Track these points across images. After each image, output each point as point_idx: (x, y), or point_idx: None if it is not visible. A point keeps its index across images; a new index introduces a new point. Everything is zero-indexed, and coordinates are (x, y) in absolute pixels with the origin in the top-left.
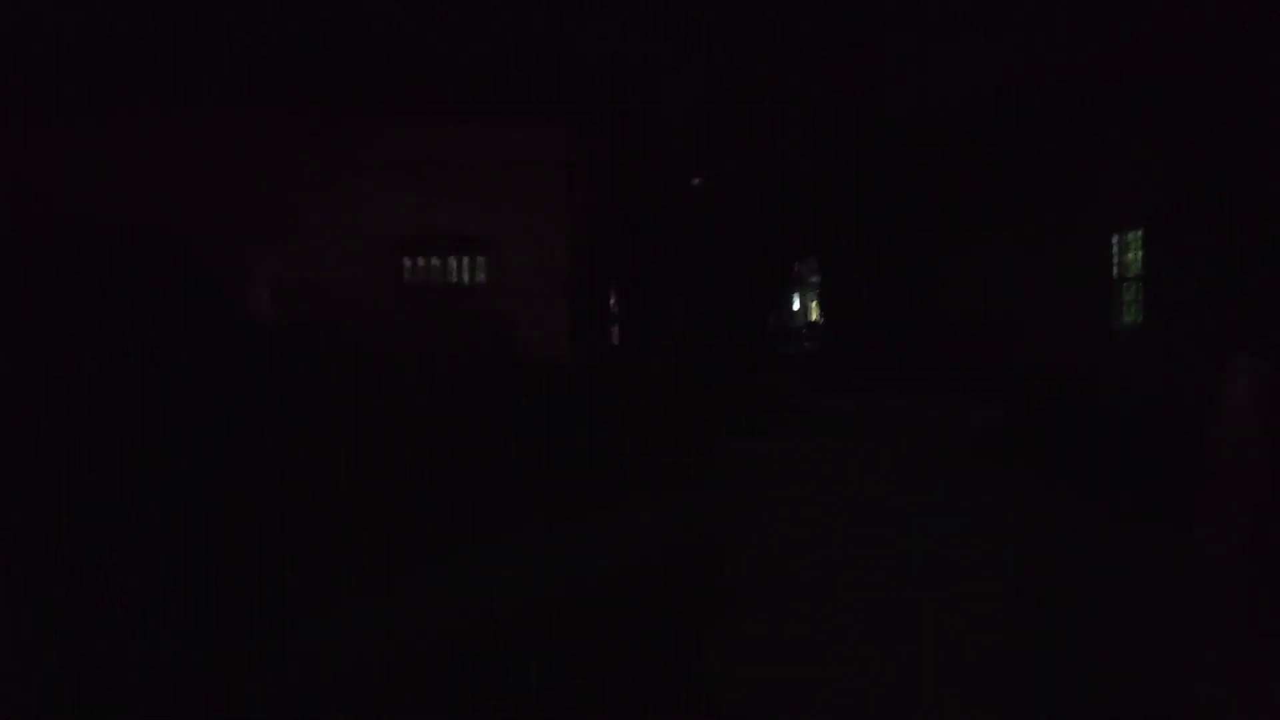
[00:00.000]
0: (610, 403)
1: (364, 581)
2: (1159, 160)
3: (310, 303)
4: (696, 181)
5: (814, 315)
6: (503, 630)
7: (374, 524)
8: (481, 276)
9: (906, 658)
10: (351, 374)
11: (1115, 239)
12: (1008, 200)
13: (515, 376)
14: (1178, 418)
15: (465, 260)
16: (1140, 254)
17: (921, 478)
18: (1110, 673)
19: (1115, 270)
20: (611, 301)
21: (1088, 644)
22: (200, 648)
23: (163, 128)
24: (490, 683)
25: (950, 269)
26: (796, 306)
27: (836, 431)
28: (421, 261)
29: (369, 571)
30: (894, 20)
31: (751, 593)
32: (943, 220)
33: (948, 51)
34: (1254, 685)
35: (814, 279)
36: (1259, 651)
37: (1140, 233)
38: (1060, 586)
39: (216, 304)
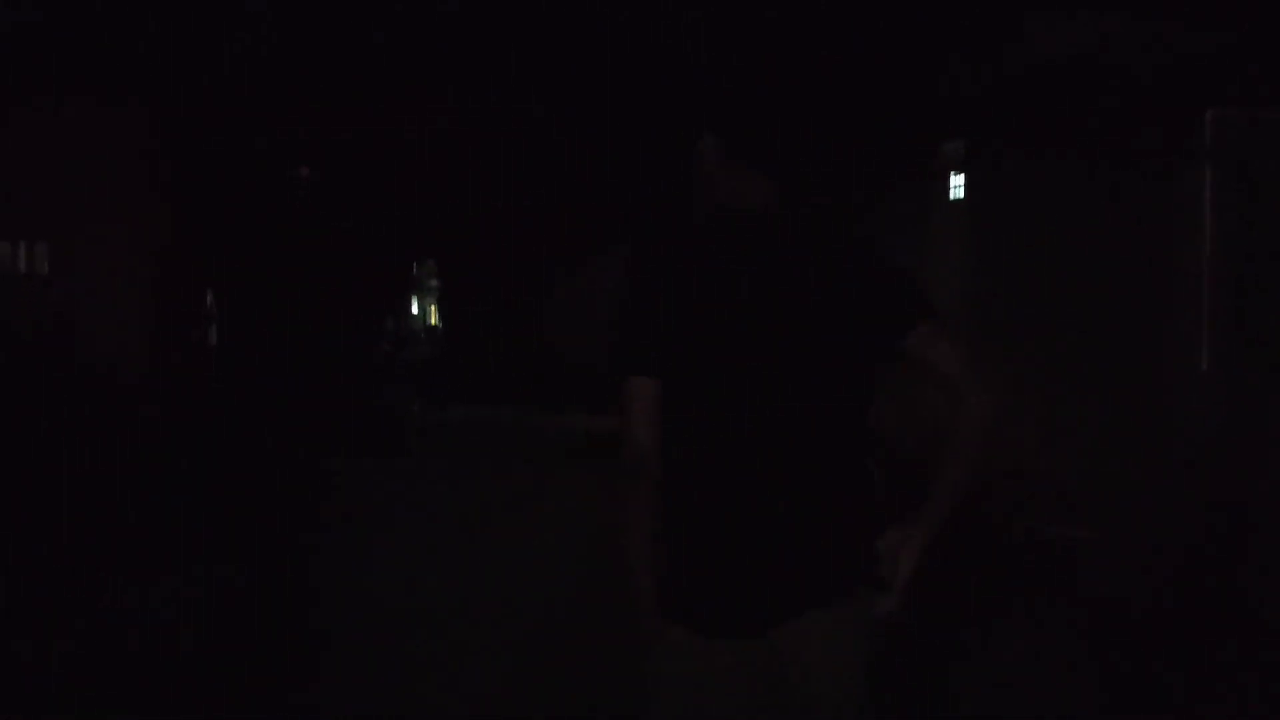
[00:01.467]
0: (195, 418)
1: None
2: None
3: None
4: (305, 172)
5: (434, 319)
6: None
7: None
8: (44, 268)
9: None
10: None
11: None
12: (608, 216)
13: (78, 386)
14: None
15: (23, 246)
16: None
17: (521, 494)
18: None
19: None
20: (209, 301)
21: None
22: None
23: None
24: None
25: (567, 279)
26: (416, 310)
27: (454, 451)
28: None
29: None
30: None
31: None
32: (558, 230)
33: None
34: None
35: (434, 282)
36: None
37: None
38: None
39: None
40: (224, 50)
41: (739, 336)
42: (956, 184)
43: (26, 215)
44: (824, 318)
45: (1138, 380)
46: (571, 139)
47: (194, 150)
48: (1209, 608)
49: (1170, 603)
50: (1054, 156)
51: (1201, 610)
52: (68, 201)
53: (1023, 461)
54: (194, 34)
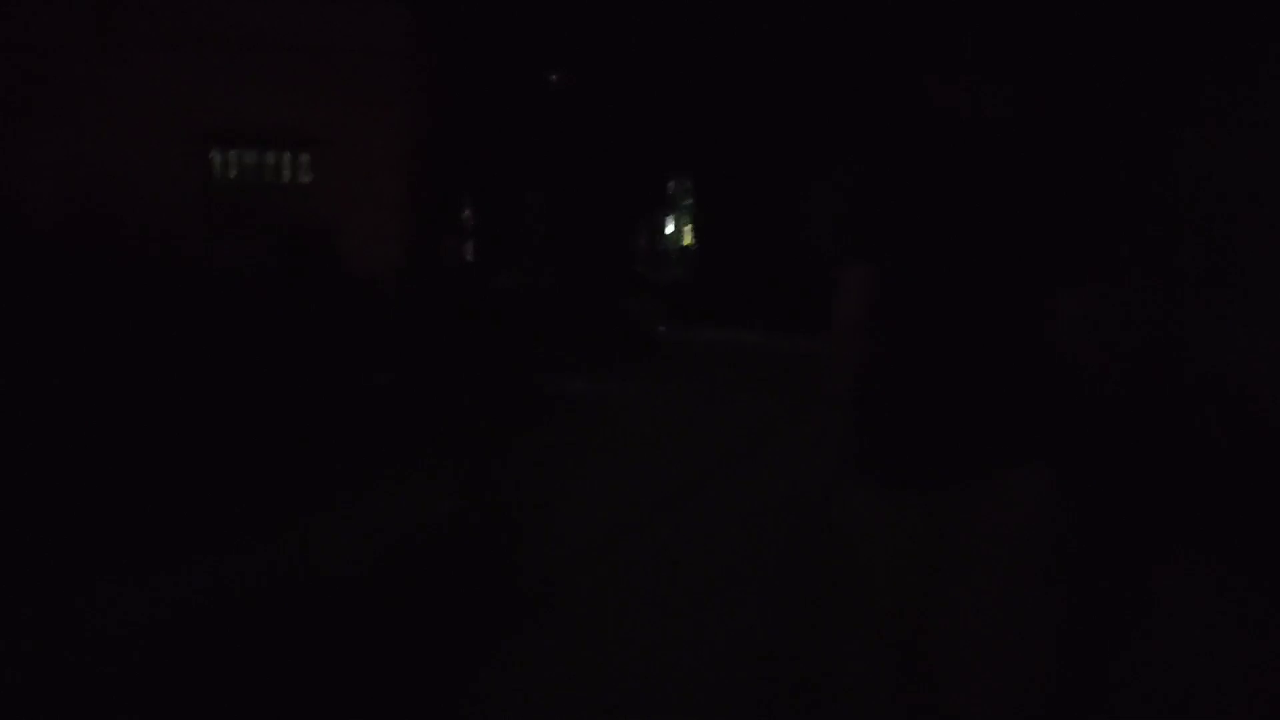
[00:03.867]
0: (447, 329)
1: None
2: None
3: (93, 200)
4: (555, 78)
5: (688, 240)
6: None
7: None
8: (307, 177)
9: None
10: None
11: None
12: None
13: (336, 297)
14: None
15: (288, 156)
16: None
17: (770, 430)
18: None
19: None
20: (466, 213)
21: None
22: None
23: None
24: None
25: (821, 206)
26: (670, 229)
27: (698, 374)
28: (235, 156)
29: None
30: None
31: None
32: (815, 149)
33: None
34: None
35: (689, 201)
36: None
37: None
38: None
39: None
40: None
41: (951, 234)
42: None
43: (291, 126)
44: (1019, 236)
45: None
46: (828, 55)
47: (454, 65)
48: None
49: None
50: None
51: None
52: (329, 115)
53: None
54: None
